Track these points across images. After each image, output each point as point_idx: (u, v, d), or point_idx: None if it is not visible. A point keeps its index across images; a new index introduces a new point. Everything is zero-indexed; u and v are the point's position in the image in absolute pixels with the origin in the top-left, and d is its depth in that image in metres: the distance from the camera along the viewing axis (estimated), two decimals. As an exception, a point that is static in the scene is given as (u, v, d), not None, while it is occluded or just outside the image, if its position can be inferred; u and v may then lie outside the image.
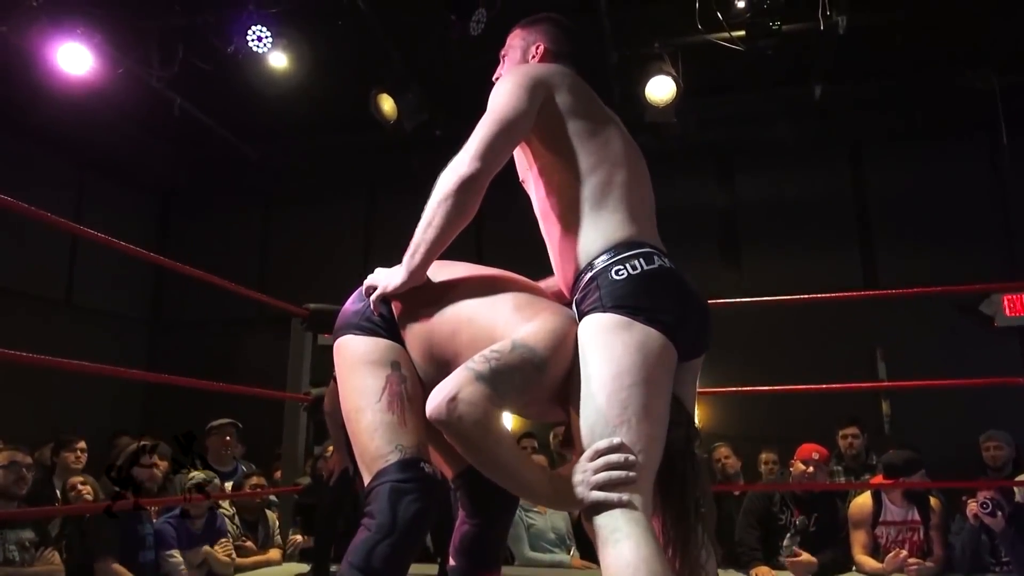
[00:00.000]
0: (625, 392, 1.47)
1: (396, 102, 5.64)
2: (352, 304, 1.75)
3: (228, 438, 4.75)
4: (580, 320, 1.59)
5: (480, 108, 1.70)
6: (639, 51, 5.38)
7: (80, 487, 3.84)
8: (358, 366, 1.64)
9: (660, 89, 5.29)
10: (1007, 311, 6.10)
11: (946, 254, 6.13)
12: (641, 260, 1.58)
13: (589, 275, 1.59)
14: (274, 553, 4.16)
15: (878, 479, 4.03)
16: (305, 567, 3.72)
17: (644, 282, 1.55)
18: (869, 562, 3.77)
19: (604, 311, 1.54)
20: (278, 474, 4.78)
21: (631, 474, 1.43)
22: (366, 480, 1.58)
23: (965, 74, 5.78)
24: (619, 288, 1.54)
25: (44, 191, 6.20)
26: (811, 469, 4.03)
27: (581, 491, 1.45)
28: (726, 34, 4.94)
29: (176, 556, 3.68)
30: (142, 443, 4.09)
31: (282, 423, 4.50)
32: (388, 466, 1.53)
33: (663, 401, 1.53)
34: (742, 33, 4.87)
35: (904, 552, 3.71)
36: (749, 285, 6.10)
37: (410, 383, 1.61)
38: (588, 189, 1.65)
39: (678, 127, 5.87)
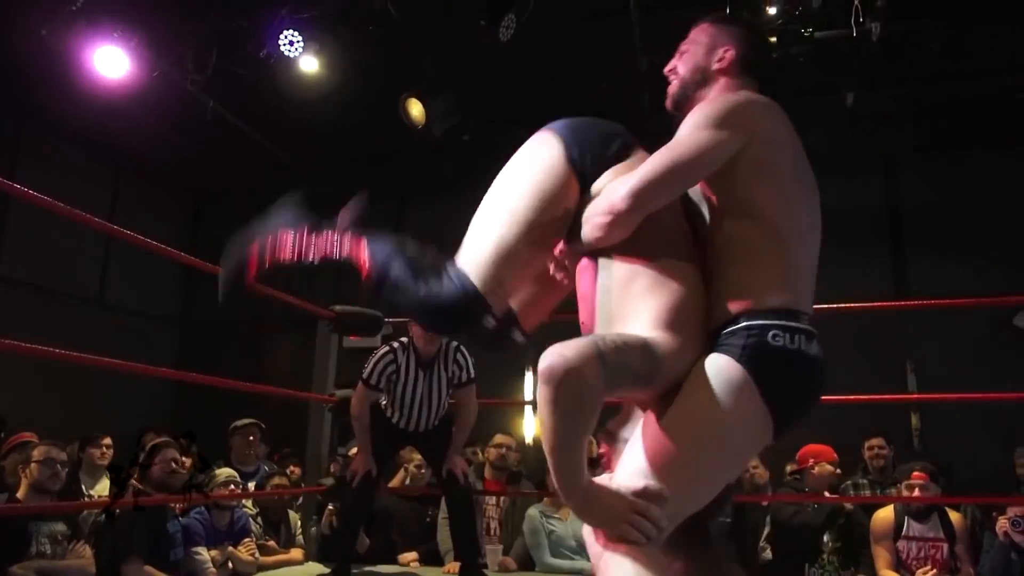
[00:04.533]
0: (704, 449, 1.42)
1: (425, 107, 5.66)
2: None
3: (252, 438, 4.77)
4: (711, 353, 1.46)
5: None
6: (670, 57, 5.33)
7: None
8: None
9: (690, 95, 5.23)
10: (1042, 325, 5.95)
11: (980, 266, 6.00)
12: (803, 338, 1.46)
13: (744, 323, 1.45)
14: (296, 553, 4.18)
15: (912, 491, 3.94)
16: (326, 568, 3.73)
17: (793, 365, 1.45)
18: (895, 577, 3.71)
19: (737, 360, 1.42)
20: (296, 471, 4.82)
21: (660, 534, 1.37)
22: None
23: (1003, 83, 5.68)
24: (767, 355, 1.42)
25: (79, 192, 6.31)
26: (838, 471, 4.11)
27: (607, 520, 1.38)
28: (757, 41, 4.88)
29: (203, 553, 3.68)
30: (154, 441, 4.06)
31: (306, 424, 4.53)
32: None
33: (731, 475, 1.56)
34: (774, 40, 4.82)
35: (933, 571, 3.63)
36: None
37: None
38: (760, 240, 1.56)
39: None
